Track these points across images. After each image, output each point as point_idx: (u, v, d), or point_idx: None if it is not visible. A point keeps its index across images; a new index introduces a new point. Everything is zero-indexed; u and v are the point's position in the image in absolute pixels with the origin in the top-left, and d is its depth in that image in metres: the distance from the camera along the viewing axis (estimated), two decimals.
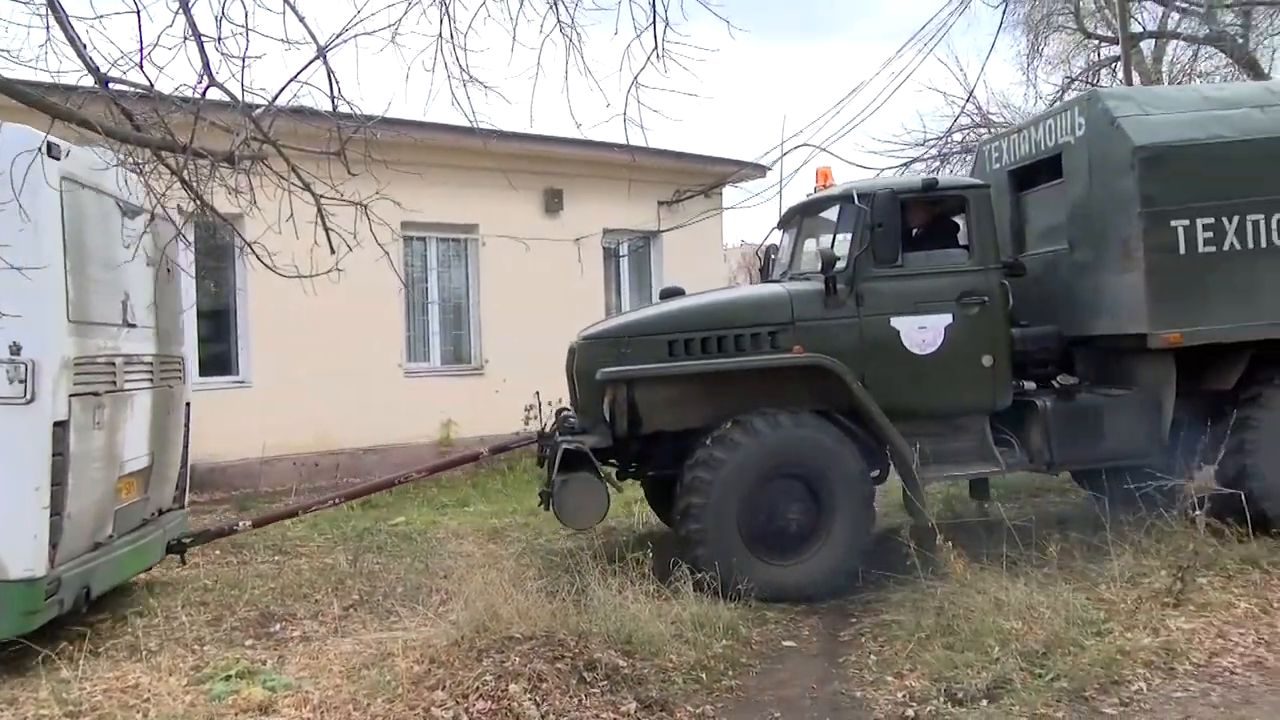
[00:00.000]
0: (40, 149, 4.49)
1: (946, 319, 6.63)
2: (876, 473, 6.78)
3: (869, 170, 18.53)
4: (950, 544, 5.62)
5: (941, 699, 4.48)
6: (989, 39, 29.93)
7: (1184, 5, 18.61)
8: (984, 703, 4.40)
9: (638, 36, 4.59)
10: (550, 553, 7.50)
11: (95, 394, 5.40)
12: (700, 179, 14.49)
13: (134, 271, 5.82)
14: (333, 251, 4.78)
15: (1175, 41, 19.66)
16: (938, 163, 18.08)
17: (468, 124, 4.97)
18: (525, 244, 10.67)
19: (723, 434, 6.25)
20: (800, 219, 7.74)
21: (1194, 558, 5.51)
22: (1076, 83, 19.85)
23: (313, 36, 4.35)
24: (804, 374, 6.49)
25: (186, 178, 4.50)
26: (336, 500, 7.66)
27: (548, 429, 7.38)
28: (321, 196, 4.79)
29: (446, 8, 4.47)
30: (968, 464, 6.81)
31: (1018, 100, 21.16)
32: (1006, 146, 8.49)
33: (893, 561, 6.13)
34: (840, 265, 6.59)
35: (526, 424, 9.60)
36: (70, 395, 5.09)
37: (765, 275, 8.30)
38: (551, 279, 12.50)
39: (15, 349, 4.87)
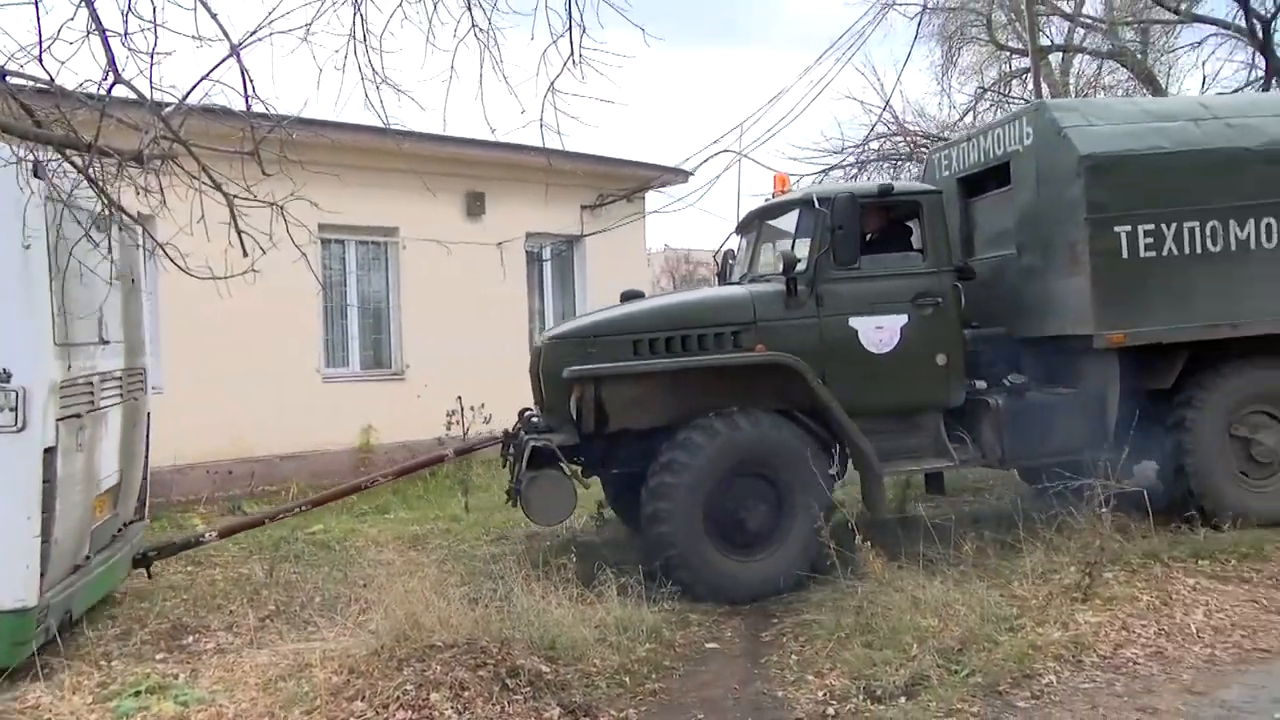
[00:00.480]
0: (25, 167, 4.34)
1: (902, 319, 6.84)
2: (835, 469, 6.91)
3: (791, 176, 18.75)
4: (869, 544, 5.71)
5: (861, 696, 4.55)
6: (905, 49, 30.62)
7: (1089, 21, 19.29)
8: (902, 699, 4.48)
9: (554, 42, 4.59)
10: (473, 559, 7.42)
11: (78, 415, 5.26)
12: (623, 183, 14.51)
13: (105, 283, 5.66)
14: (245, 254, 4.67)
15: (1081, 55, 20.35)
16: (856, 170, 18.40)
17: (386, 125, 4.90)
18: (447, 247, 10.56)
19: (688, 433, 6.35)
20: (759, 223, 7.93)
21: (1100, 554, 5.69)
22: (989, 93, 20.42)
23: (225, 34, 4.25)
24: (766, 373, 6.63)
25: (94, 176, 4.36)
26: (304, 506, 7.56)
27: (512, 428, 7.46)
28: (236, 197, 4.68)
29: (359, 8, 4.40)
30: (923, 459, 7.03)
31: (933, 110, 21.68)
32: (956, 155, 8.77)
33: (815, 561, 6.22)
34: (801, 267, 6.75)
35: (448, 430, 9.50)
36: (57, 420, 4.94)
37: (723, 279, 8.48)
38: (473, 283, 12.39)
39: (5, 376, 4.72)
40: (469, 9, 4.56)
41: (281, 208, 4.79)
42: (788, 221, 7.44)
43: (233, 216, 4.66)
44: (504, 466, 7.63)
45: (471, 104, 4.95)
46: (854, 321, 6.79)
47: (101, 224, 5.39)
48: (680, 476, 6.26)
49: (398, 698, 4.30)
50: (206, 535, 7.08)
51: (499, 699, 4.41)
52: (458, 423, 9.53)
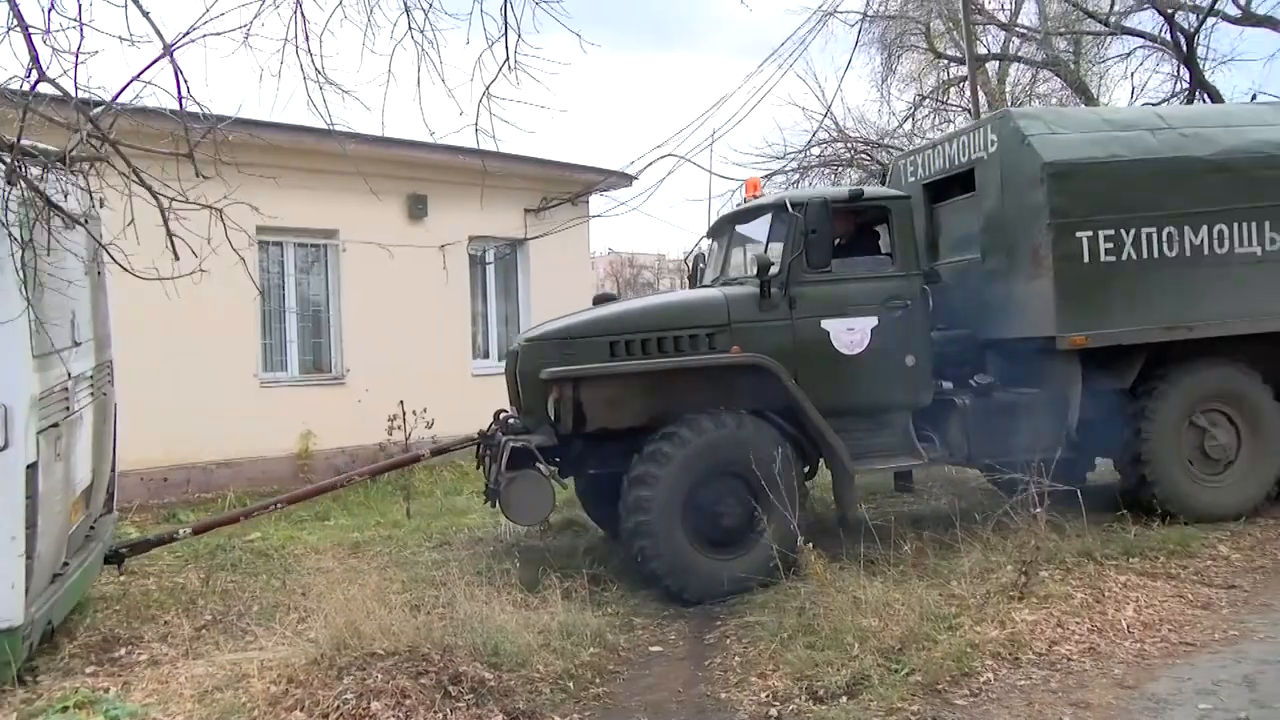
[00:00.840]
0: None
1: (873, 321, 6.99)
2: (807, 468, 7.03)
3: (733, 181, 18.91)
4: (811, 545, 5.76)
5: (803, 697, 4.59)
6: (846, 56, 31.07)
7: (1023, 31, 19.70)
8: (844, 699, 4.53)
9: (489, 47, 4.57)
10: (415, 566, 7.34)
11: (56, 425, 5.11)
12: (566, 187, 14.49)
13: (76, 284, 5.50)
14: (176, 258, 4.57)
15: (1017, 64, 20.79)
16: (798, 176, 18.58)
17: (325, 126, 4.84)
18: (388, 250, 10.40)
19: (666, 434, 6.43)
20: (731, 227, 8.06)
21: (1036, 553, 5.80)
22: (928, 100, 20.76)
23: (159, 34, 4.16)
24: (741, 373, 6.73)
25: (30, 177, 4.23)
26: (279, 504, 7.47)
27: (486, 429, 7.50)
28: (174, 199, 4.57)
29: (299, 7, 4.34)
30: (893, 457, 7.18)
31: (873, 116, 21.96)
32: (921, 161, 8.97)
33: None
34: (774, 270, 6.87)
35: (390, 434, 9.39)
36: (38, 434, 4.79)
37: (694, 282, 8.63)
38: (415, 286, 12.27)
39: None
40: (406, 11, 4.53)
41: (221, 211, 4.70)
42: (760, 226, 7.59)
43: (165, 220, 4.55)
44: (478, 468, 7.69)
45: (413, 106, 4.90)
46: (826, 323, 6.94)
47: (69, 222, 5.26)
48: (659, 477, 6.34)
49: (338, 707, 4.24)
50: (181, 532, 6.99)
51: (441, 707, 4.37)
52: (399, 428, 9.42)
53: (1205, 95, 15.62)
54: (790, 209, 7.04)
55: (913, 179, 8.96)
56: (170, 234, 4.56)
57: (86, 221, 5.19)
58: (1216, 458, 7.58)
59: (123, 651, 5.55)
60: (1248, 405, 7.62)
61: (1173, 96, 17.06)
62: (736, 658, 5.32)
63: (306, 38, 4.46)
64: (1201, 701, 4.33)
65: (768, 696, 4.69)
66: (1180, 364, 7.52)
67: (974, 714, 4.37)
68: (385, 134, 5.55)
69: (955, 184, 8.45)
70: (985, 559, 6.13)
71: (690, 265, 9.04)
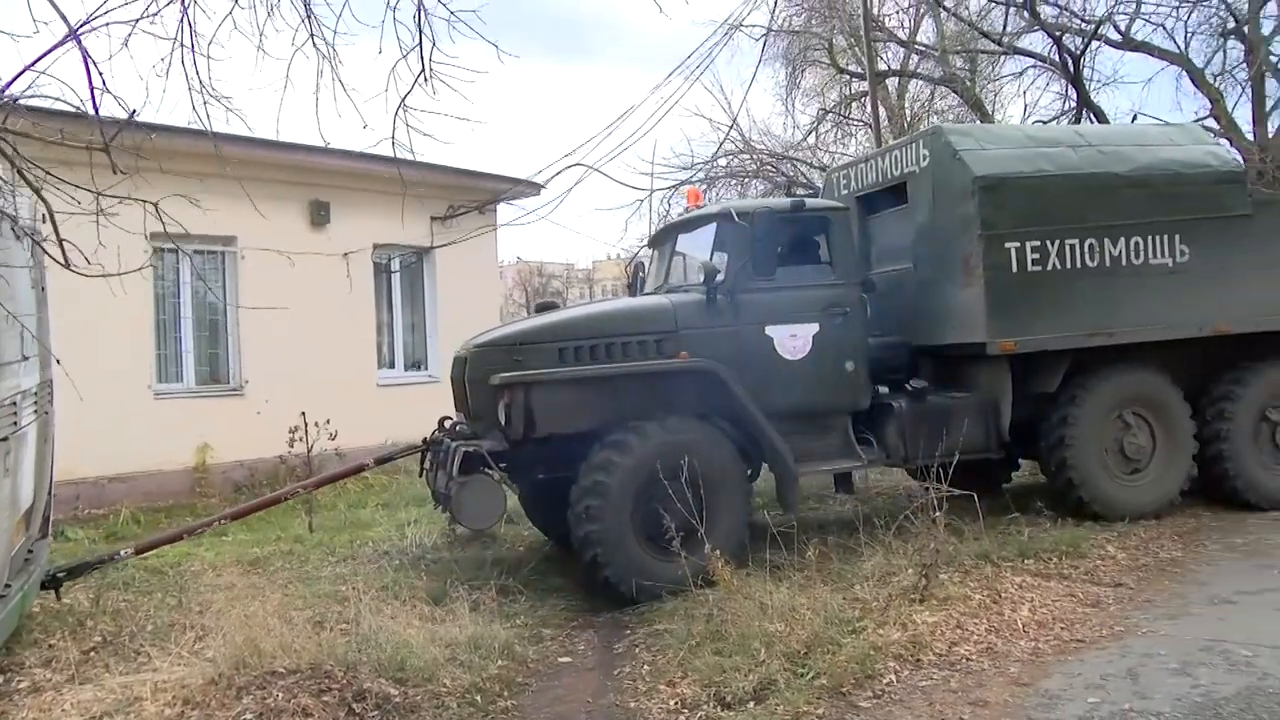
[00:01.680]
0: None
1: (814, 328, 7.19)
2: (750, 470, 7.13)
3: (641, 190, 19.02)
4: (719, 551, 5.81)
5: (711, 703, 4.62)
6: (751, 70, 31.66)
7: (922, 48, 20.31)
8: (751, 704, 4.57)
9: (404, 57, 4.51)
10: (318, 581, 7.16)
11: (5, 439, 4.82)
12: (474, 195, 14.37)
13: (24, 298, 5.26)
14: (67, 264, 4.38)
15: (916, 81, 21.41)
16: (705, 186, 18.78)
17: (223, 131, 4.70)
18: (289, 258, 10.14)
19: (616, 439, 6.49)
20: (674, 236, 8.20)
21: (936, 555, 5.95)
22: (830, 114, 21.22)
23: (63, 17, 3.97)
24: (688, 379, 6.83)
25: None
26: (221, 520, 7.26)
27: (431, 436, 7.48)
28: (99, 196, 4.38)
29: (186, 12, 4.21)
30: (833, 460, 7.40)
31: (778, 129, 22.36)
32: (854, 174, 9.26)
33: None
34: (720, 278, 6.99)
35: (291, 447, 9.16)
36: None
37: (634, 290, 8.77)
38: (318, 295, 12.00)
39: None
40: (307, 18, 4.42)
41: (106, 214, 4.52)
42: (704, 235, 7.69)
43: (53, 224, 4.36)
44: (421, 475, 7.69)
45: (326, 113, 4.77)
46: (770, 330, 7.12)
47: (19, 234, 5.00)
48: (608, 483, 6.39)
49: None
50: (121, 553, 6.72)
51: None
52: (301, 439, 9.20)
53: (1091, 114, 16.32)
54: (736, 219, 7.20)
55: (846, 191, 9.22)
56: (60, 240, 4.36)
57: (33, 233, 5.00)
58: (1134, 458, 7.95)
59: (0, 679, 5.27)
60: (1162, 409, 8.02)
61: (1061, 115, 17.80)
62: (645, 666, 5.33)
63: (194, 41, 4.33)
64: (1090, 696, 4.50)
65: (676, 704, 4.71)
66: (1101, 369, 7.90)
67: (878, 715, 4.46)
68: (287, 139, 5.43)
69: (888, 196, 8.72)
70: (887, 563, 6.25)
71: (630, 274, 9.17)
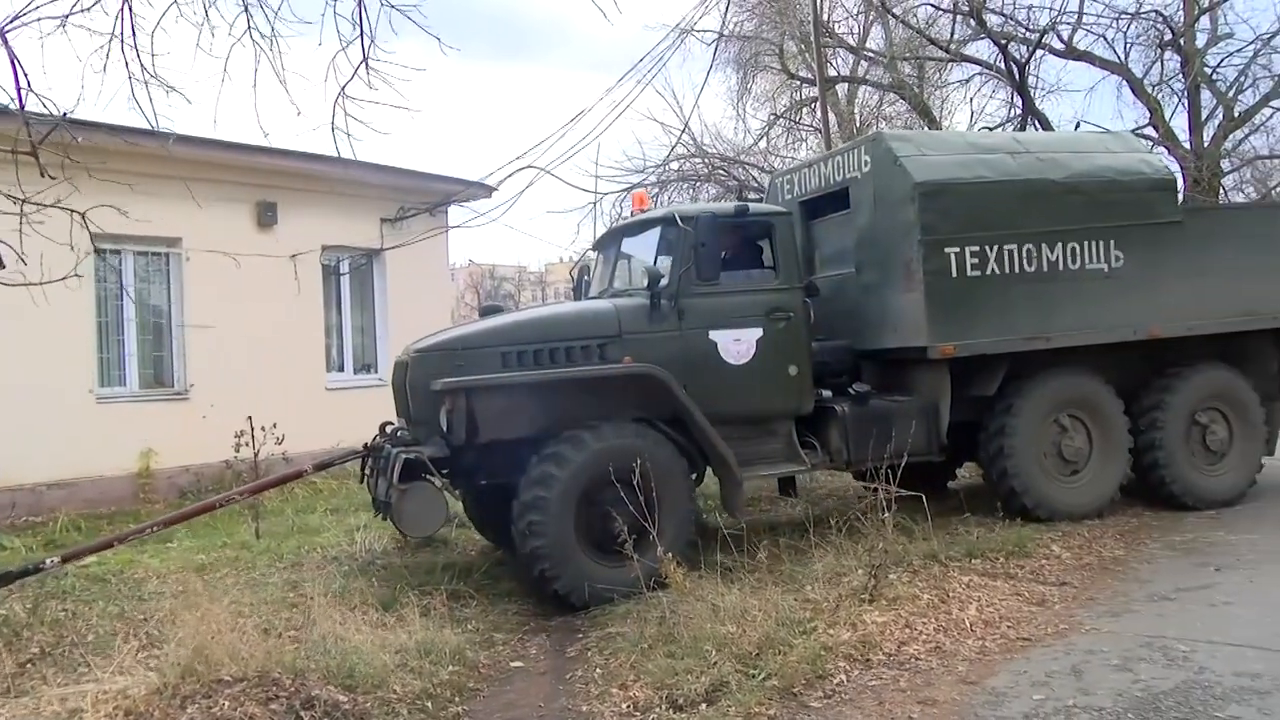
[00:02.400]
0: None
1: (758, 332, 7.20)
2: (695, 474, 7.11)
3: (594, 194, 19.04)
4: (670, 554, 5.82)
5: (663, 706, 4.63)
6: (703, 74, 31.73)
7: (871, 55, 20.56)
8: (703, 706, 4.58)
9: (343, 49, 4.47)
10: (266, 588, 7.05)
11: None
12: (424, 197, 14.24)
13: None
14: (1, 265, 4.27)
15: (865, 87, 21.65)
16: (657, 190, 18.84)
17: (167, 128, 4.62)
18: (235, 259, 10.02)
19: (559, 443, 6.46)
20: (618, 240, 8.16)
21: (885, 556, 6.03)
22: (781, 119, 21.39)
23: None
24: (632, 383, 6.81)
25: None
26: (154, 528, 7.08)
27: (372, 442, 7.38)
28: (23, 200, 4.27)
29: (127, 3, 4.12)
30: (777, 464, 7.42)
31: (730, 133, 22.48)
32: (797, 179, 9.29)
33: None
34: (664, 282, 6.99)
35: (237, 452, 9.01)
36: None
37: (578, 294, 8.71)
38: (265, 297, 11.83)
39: None
40: (246, 11, 4.36)
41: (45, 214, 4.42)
42: (648, 239, 7.68)
43: None
44: (362, 482, 7.58)
45: (264, 109, 4.73)
46: (714, 334, 7.11)
47: None
48: (552, 488, 6.35)
49: None
50: (47, 562, 6.53)
51: None
52: (247, 444, 9.05)
53: (1036, 121, 16.65)
54: (680, 223, 7.19)
55: (790, 196, 9.27)
56: None
57: None
58: (1072, 460, 8.08)
59: None
60: (1098, 411, 8.16)
61: (1007, 122, 18.10)
62: (598, 670, 5.32)
63: (134, 33, 4.24)
64: (1036, 693, 4.58)
65: (628, 707, 4.71)
66: (1039, 373, 8.01)
67: (828, 715, 4.50)
68: (231, 138, 5.34)
69: (830, 201, 8.78)
70: (837, 563, 6.32)
71: (575, 277, 9.14)
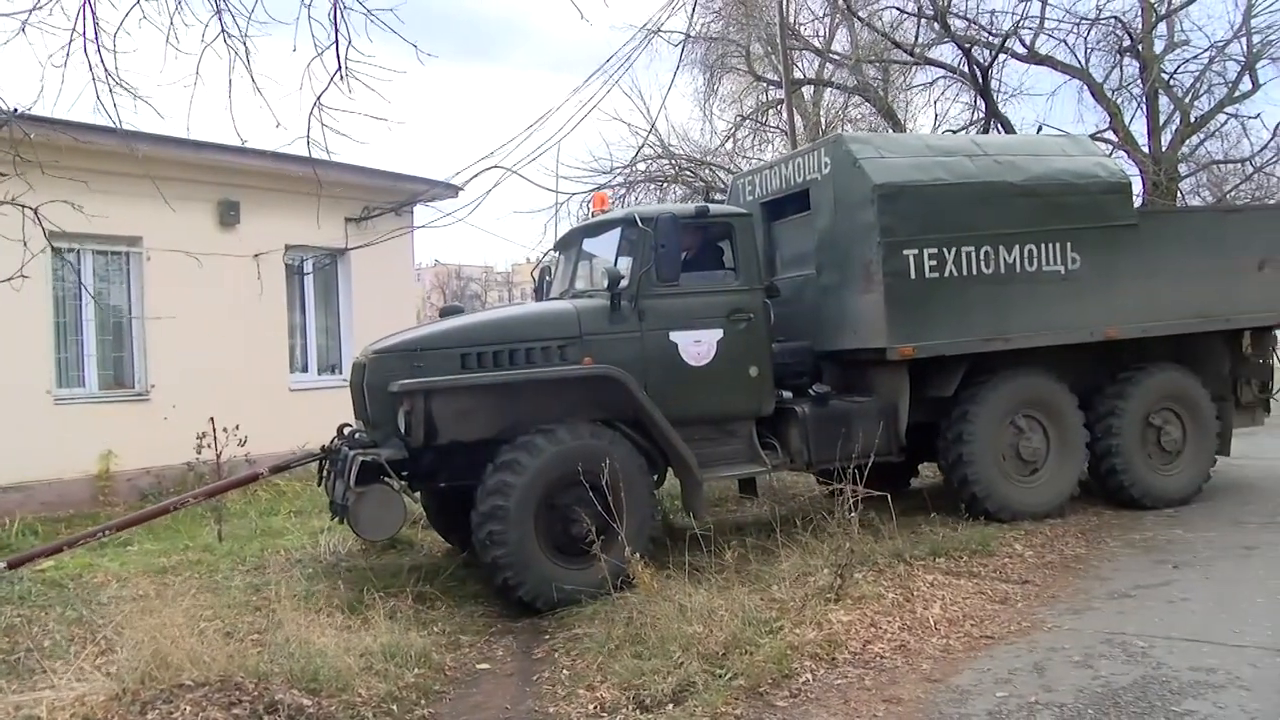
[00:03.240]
0: None
1: (718, 334, 7.20)
2: (655, 476, 7.11)
3: (561, 194, 19.00)
4: (638, 555, 5.82)
5: (631, 706, 4.63)
6: (670, 75, 31.75)
7: (837, 57, 20.68)
8: (670, 706, 4.59)
9: (319, 55, 4.42)
10: (229, 591, 6.96)
11: None
12: (390, 196, 14.14)
13: None
14: None
15: (830, 89, 21.78)
16: (624, 190, 18.84)
17: (129, 127, 4.55)
18: (197, 259, 9.88)
19: (520, 444, 6.41)
20: (579, 241, 8.11)
21: (851, 556, 6.07)
22: (748, 121, 21.46)
23: None
24: (592, 384, 6.79)
25: None
26: (106, 531, 6.98)
27: (330, 444, 7.31)
28: None
29: (88, 2, 4.06)
30: (738, 465, 7.41)
31: (696, 135, 22.52)
32: (759, 181, 9.30)
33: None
34: (624, 283, 6.97)
35: (199, 453, 8.90)
36: None
37: (540, 294, 8.67)
38: (227, 297, 11.69)
39: None
40: (218, 13, 4.30)
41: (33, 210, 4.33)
42: (609, 239, 7.66)
43: None
44: (319, 485, 7.50)
45: (238, 111, 4.65)
46: (674, 335, 7.11)
47: None
48: (512, 489, 6.31)
49: None
50: None
51: None
52: (209, 445, 8.94)
53: (999, 125, 16.85)
54: (640, 224, 7.16)
55: (751, 197, 9.30)
56: None
57: None
58: (1029, 459, 8.18)
59: None
60: (1055, 411, 8.26)
61: (971, 125, 18.31)
62: (564, 671, 5.31)
63: (96, 32, 4.18)
64: (999, 690, 4.63)
65: (595, 708, 4.71)
66: (997, 373, 8.09)
67: (794, 714, 4.52)
68: (192, 137, 5.27)
69: (791, 203, 8.82)
70: (804, 563, 6.35)
71: (536, 278, 9.11)
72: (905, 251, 7.70)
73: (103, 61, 4.23)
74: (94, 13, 4.17)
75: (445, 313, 8.06)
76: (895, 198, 7.71)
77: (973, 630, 5.52)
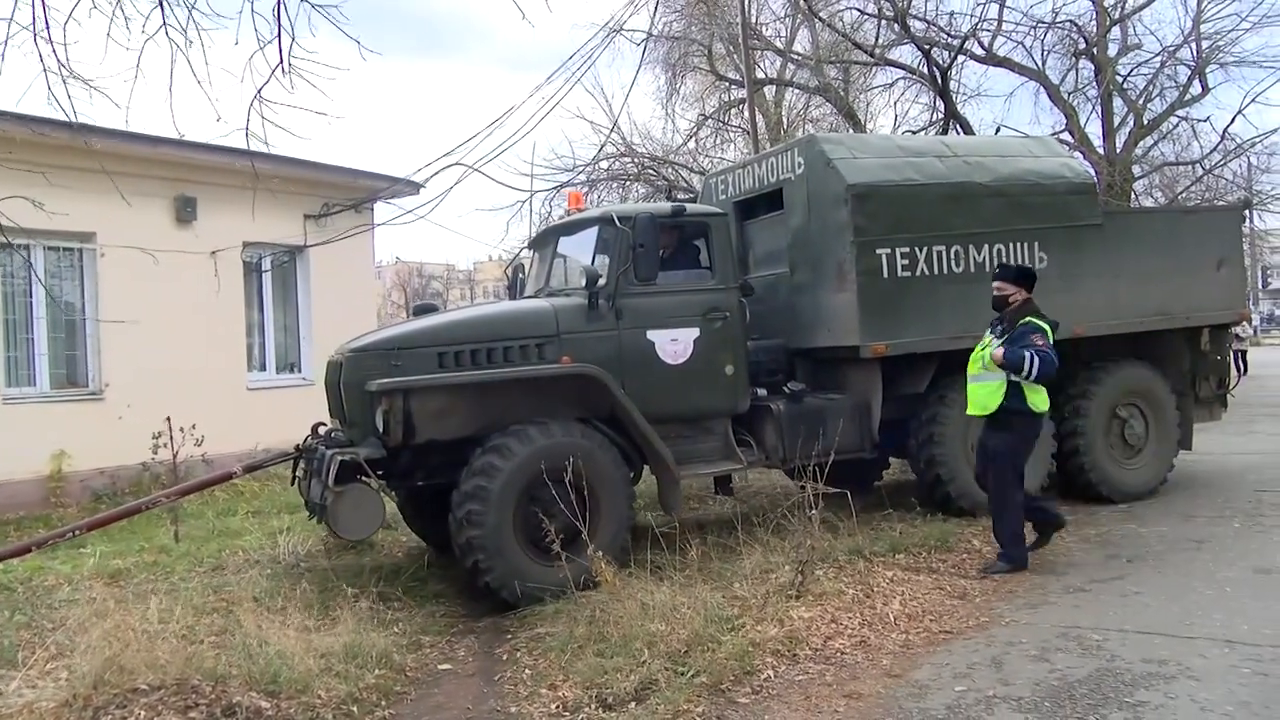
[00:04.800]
0: None
1: (695, 332, 7.25)
2: (632, 473, 7.13)
3: (522, 191, 18.95)
4: (601, 553, 5.82)
5: (593, 705, 4.63)
6: (632, 74, 31.69)
7: (798, 58, 20.80)
8: (632, 705, 4.59)
9: (261, 49, 4.36)
10: (186, 592, 6.86)
11: None
12: (350, 193, 14.01)
13: None
14: None
15: (792, 89, 21.90)
16: (586, 188, 18.81)
17: (85, 120, 4.47)
18: (153, 256, 9.73)
19: (497, 443, 6.42)
20: (555, 239, 8.12)
21: (812, 553, 6.11)
22: (710, 120, 21.52)
23: None
24: (570, 383, 6.81)
25: None
26: (76, 531, 6.87)
27: (304, 443, 7.29)
28: None
29: None
30: (714, 462, 7.46)
31: (659, 133, 22.54)
32: (732, 180, 9.35)
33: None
34: (602, 282, 6.99)
35: (155, 453, 8.76)
36: None
37: (514, 293, 8.68)
38: (184, 294, 11.52)
39: None
40: (160, 5, 4.23)
41: None
42: (585, 238, 7.66)
43: None
44: (292, 484, 7.49)
45: (181, 104, 4.59)
46: (651, 334, 7.15)
47: None
48: (490, 488, 6.31)
49: None
50: None
51: None
52: (166, 445, 8.81)
53: (958, 125, 17.03)
54: (618, 223, 7.19)
55: (724, 196, 9.34)
56: None
57: None
58: None
59: None
60: None
61: (930, 125, 18.49)
62: (527, 670, 5.30)
63: (47, 24, 4.10)
64: (958, 684, 4.69)
65: (558, 707, 4.70)
66: (964, 372, 8.12)
67: (756, 711, 4.54)
68: (149, 132, 5.20)
69: (764, 202, 8.87)
70: (765, 560, 6.39)
71: (510, 276, 9.11)
72: (878, 251, 7.79)
73: (54, 52, 4.15)
74: (44, 2, 4.09)
75: (419, 311, 8.05)
76: (868, 198, 7.79)
77: (932, 625, 5.58)
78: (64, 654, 5.21)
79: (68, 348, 11.35)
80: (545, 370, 6.79)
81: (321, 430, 7.34)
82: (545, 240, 8.39)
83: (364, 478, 6.37)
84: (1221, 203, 17.69)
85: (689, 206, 7.88)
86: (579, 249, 7.75)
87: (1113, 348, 8.81)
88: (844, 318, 7.83)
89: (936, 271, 7.98)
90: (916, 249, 7.91)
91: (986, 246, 8.14)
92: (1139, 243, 8.79)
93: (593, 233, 7.59)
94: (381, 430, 6.45)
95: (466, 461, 6.43)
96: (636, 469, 7.24)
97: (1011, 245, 8.21)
